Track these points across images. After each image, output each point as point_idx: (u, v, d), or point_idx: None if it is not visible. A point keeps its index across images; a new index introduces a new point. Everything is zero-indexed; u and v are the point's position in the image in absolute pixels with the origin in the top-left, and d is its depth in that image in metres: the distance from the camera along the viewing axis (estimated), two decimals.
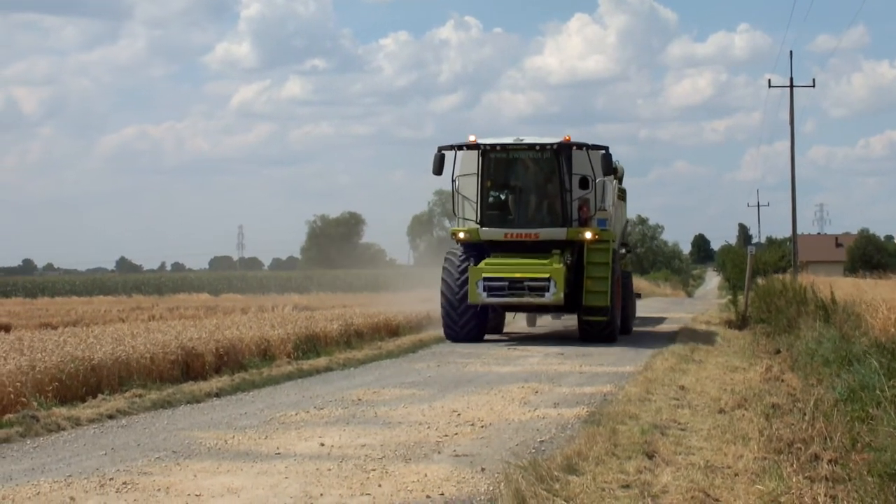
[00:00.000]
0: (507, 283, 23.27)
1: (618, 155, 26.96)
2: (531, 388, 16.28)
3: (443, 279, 24.52)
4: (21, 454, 11.14)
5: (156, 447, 11.24)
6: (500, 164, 25.10)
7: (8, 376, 13.46)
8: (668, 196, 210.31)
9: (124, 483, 9.63)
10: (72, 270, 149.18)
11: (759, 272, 43.62)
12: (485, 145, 24.65)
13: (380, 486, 9.67)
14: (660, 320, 35.85)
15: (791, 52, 75.64)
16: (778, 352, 21.78)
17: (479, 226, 24.83)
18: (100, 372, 14.44)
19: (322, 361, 19.48)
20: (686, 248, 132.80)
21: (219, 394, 15.47)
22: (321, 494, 9.44)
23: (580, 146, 24.65)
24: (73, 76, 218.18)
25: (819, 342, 19.44)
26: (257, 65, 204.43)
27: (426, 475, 10.08)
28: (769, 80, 59.64)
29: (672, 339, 25.36)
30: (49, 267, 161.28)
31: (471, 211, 25.27)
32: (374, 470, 10.27)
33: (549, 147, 24.43)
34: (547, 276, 23.16)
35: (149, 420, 13.21)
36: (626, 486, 9.60)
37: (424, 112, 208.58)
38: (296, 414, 13.59)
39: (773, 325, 27.32)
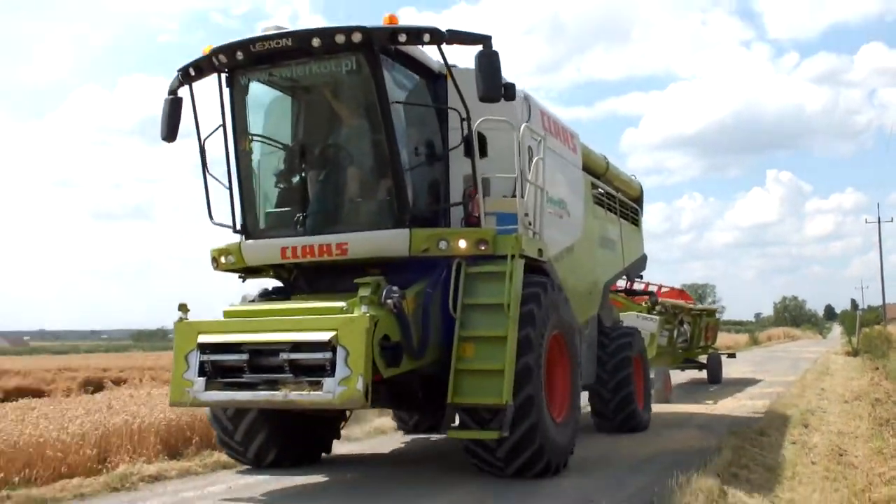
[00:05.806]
0: (245, 359, 9.95)
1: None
2: (737, 391, 21.45)
3: None
4: None
5: None
6: (261, 98, 11.48)
7: None
8: (809, 287, 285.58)
9: None
10: None
11: (865, 325, 57.47)
12: (218, 53, 10.87)
13: (659, 436, 13.54)
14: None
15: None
16: (877, 369, 27.68)
17: (241, 236, 11.57)
18: None
19: None
20: (821, 312, 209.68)
21: None
22: None
23: (417, 33, 10.13)
24: None
25: None
26: None
27: (682, 435, 13.65)
28: (865, 219, 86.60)
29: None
30: None
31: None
32: (657, 435, 13.72)
33: (346, 42, 10.22)
34: (325, 338, 9.50)
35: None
36: (794, 443, 12.14)
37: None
38: None
39: (873, 354, 35.95)
